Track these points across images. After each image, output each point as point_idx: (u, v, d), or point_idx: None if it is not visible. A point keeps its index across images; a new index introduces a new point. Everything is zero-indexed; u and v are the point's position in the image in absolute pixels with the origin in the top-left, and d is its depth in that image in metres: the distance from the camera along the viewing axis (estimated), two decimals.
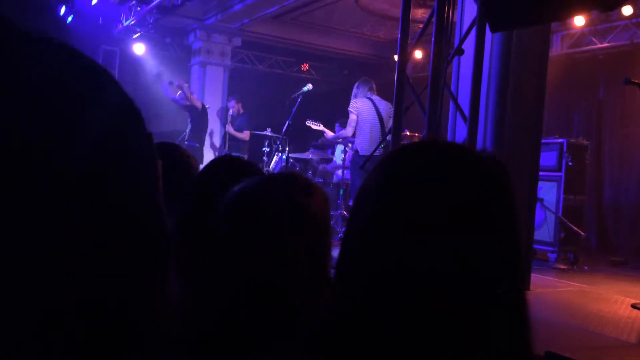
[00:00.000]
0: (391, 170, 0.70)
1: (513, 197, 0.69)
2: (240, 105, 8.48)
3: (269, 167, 7.44)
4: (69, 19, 7.90)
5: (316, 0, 7.89)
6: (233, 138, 8.33)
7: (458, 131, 4.19)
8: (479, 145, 3.84)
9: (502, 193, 0.68)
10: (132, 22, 8.44)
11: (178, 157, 1.66)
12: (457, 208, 0.65)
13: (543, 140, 4.77)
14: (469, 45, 3.80)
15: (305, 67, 10.68)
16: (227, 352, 0.92)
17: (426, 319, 0.63)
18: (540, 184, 4.83)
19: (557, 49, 7.19)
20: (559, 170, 5.90)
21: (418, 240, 0.64)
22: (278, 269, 0.96)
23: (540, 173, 4.72)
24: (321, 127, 7.61)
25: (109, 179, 0.42)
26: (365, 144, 5.81)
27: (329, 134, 7.24)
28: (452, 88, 4.18)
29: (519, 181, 3.99)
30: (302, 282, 0.96)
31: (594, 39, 7.41)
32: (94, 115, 0.42)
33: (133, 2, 8.03)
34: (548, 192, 5.83)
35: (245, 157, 7.71)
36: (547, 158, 5.86)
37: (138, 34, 8.78)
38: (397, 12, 5.73)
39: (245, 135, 8.25)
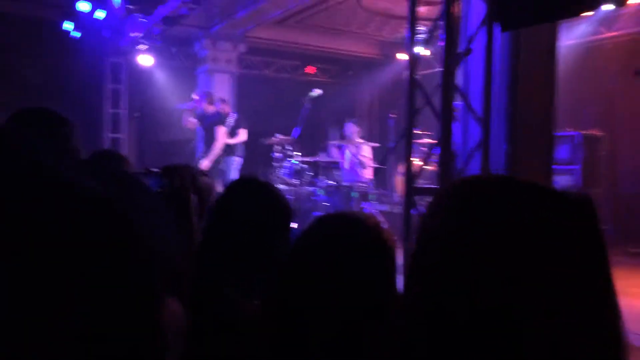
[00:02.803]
0: (465, 209, 0.67)
1: (603, 236, 0.66)
2: (226, 105, 7.77)
3: (279, 172, 7.44)
4: (75, 32, 7.96)
5: (319, 3, 7.89)
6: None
7: (469, 131, 4.17)
8: (493, 143, 3.81)
9: (594, 231, 0.65)
10: (138, 35, 8.47)
11: (198, 184, 1.68)
12: (547, 248, 0.62)
13: (555, 134, 4.73)
14: (475, 43, 3.78)
15: (312, 70, 10.67)
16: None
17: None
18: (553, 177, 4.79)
19: (563, 39, 7.12)
20: (573, 163, 5.87)
21: (503, 281, 0.61)
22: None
23: (553, 166, 4.69)
24: None
25: None
26: None
27: None
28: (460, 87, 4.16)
29: (534, 178, 3.95)
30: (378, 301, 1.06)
31: (601, 28, 7.36)
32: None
33: (139, 15, 8.05)
34: (562, 185, 5.80)
35: (241, 159, 7.41)
36: (560, 151, 5.82)
37: (145, 46, 8.81)
38: (400, 10, 5.70)
39: (242, 135, 7.60)
